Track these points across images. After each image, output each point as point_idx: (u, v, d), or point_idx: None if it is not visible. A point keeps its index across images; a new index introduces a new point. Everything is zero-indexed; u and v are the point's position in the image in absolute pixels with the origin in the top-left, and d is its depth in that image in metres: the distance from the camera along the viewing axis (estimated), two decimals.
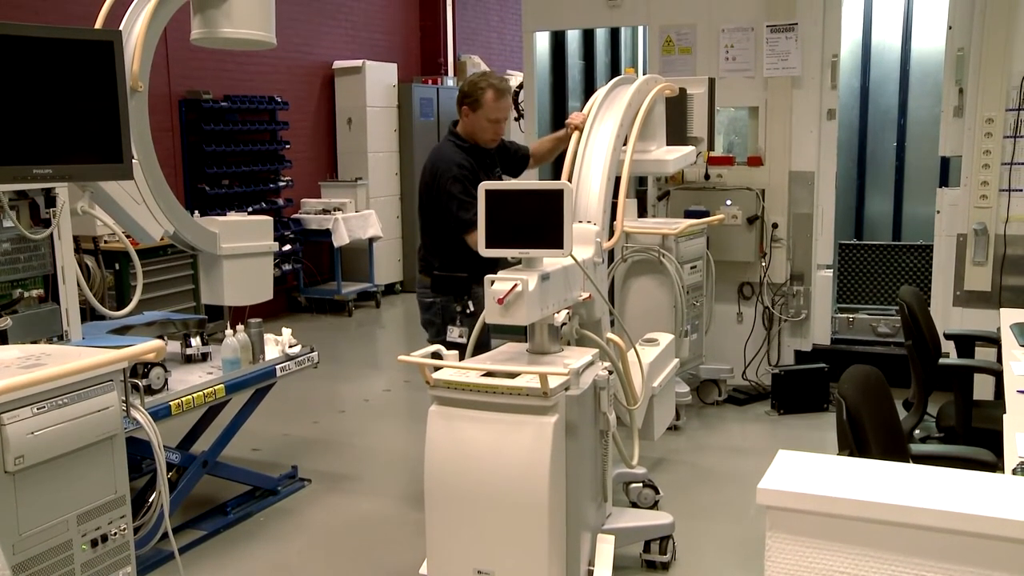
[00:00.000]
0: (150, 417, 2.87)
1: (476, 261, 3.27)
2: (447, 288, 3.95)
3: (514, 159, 4.31)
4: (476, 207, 3.51)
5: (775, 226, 5.87)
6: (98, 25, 3.63)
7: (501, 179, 4.18)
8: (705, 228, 5.54)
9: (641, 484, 4.11)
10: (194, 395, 3.69)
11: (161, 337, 3.98)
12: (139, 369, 3.54)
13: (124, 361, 2.63)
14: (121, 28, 3.58)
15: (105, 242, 6.17)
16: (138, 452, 3.45)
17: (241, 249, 4.18)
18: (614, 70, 8.25)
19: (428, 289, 4.04)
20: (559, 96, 7.51)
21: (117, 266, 6.30)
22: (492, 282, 2.91)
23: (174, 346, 4.21)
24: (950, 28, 5.40)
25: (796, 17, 5.70)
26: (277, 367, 4.14)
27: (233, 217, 4.67)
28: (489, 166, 4.10)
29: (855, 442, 2.40)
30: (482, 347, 3.94)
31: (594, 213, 3.65)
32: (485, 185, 3.02)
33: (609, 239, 3.76)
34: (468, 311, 3.90)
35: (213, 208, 7.58)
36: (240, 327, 4.08)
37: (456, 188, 3.84)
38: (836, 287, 6.43)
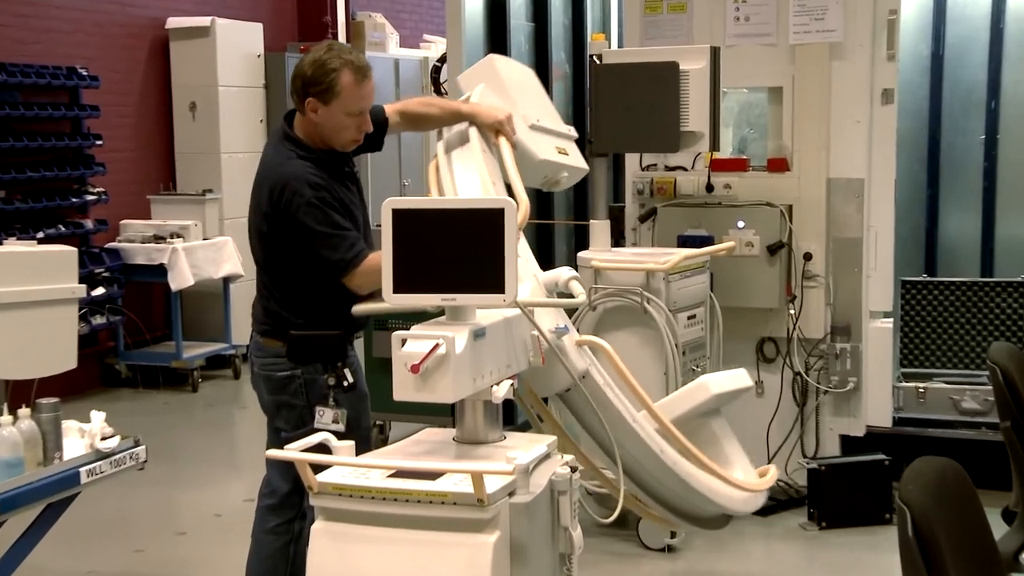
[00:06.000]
0: None
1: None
2: (313, 354, 3.92)
3: (368, 136, 4.16)
4: (349, 237, 3.60)
5: (808, 257, 5.94)
6: None
7: (362, 193, 4.19)
8: (708, 261, 5.60)
9: None
10: None
11: None
12: None
13: None
14: None
15: None
16: None
17: (25, 295, 4.16)
18: (576, 36, 8.31)
19: (282, 358, 4.01)
20: None
21: None
22: (403, 341, 2.93)
23: None
24: None
25: None
26: (82, 470, 4.11)
27: (15, 247, 4.60)
28: (347, 175, 4.11)
29: (927, 569, 2.42)
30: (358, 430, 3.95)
31: None
32: (392, 203, 3.05)
33: None
34: (345, 383, 3.88)
35: None
36: (24, 411, 4.03)
37: (314, 219, 3.84)
38: (899, 344, 6.51)
